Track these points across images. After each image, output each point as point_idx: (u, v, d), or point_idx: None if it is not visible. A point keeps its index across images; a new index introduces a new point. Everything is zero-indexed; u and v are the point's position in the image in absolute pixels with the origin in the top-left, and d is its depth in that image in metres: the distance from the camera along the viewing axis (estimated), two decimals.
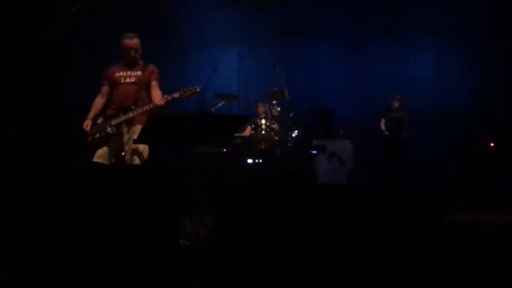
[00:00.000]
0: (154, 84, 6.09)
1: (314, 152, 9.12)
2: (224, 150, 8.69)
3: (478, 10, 10.60)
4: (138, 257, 3.88)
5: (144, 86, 5.99)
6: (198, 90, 5.78)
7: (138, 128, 5.62)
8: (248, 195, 4.14)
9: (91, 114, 6.09)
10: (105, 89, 6.20)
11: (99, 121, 5.97)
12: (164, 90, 10.61)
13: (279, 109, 9.36)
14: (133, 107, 5.79)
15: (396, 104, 10.16)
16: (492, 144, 9.87)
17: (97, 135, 5.84)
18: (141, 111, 5.70)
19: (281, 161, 8.89)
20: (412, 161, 9.91)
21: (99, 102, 6.19)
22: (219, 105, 9.56)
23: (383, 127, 10.19)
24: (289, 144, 9.15)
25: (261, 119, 9.26)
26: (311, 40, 11.53)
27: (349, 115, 10.61)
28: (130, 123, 5.83)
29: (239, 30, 11.66)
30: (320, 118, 10.37)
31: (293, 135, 9.20)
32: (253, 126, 9.17)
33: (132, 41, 6.05)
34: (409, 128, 9.99)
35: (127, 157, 5.80)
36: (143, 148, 5.84)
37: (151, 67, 6.09)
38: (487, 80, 10.93)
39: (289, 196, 4.09)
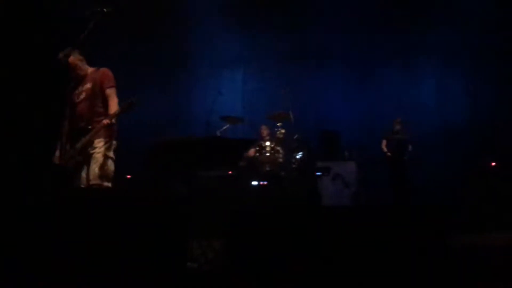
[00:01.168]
0: (108, 93, 5.59)
1: (318, 173, 9.15)
2: (229, 172, 8.71)
3: (479, 31, 10.71)
4: (147, 280, 3.91)
5: (97, 97, 5.56)
6: (134, 101, 5.27)
7: (99, 141, 5.40)
8: (255, 218, 4.19)
9: (60, 142, 5.69)
10: (67, 111, 5.77)
11: (68, 148, 5.62)
12: (168, 111, 10.79)
13: (283, 131, 9.39)
14: (89, 127, 5.44)
15: (398, 126, 10.23)
16: (493, 164, 9.90)
17: (69, 164, 5.52)
18: (96, 132, 5.34)
19: (286, 183, 8.91)
20: (416, 182, 9.96)
21: (64, 126, 5.72)
22: (224, 127, 9.61)
23: (384, 148, 10.26)
24: (294, 166, 9.16)
25: (265, 141, 9.29)
26: (316, 62, 11.59)
27: (354, 137, 10.67)
28: (91, 142, 5.44)
29: (245, 53, 11.74)
30: (325, 140, 10.42)
31: (298, 157, 9.22)
32: (257, 148, 9.20)
33: (72, 57, 5.60)
34: (414, 149, 10.07)
35: (93, 175, 5.39)
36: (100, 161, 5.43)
37: (101, 72, 5.60)
38: (489, 100, 11.00)
39: (295, 218, 4.14)
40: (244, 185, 8.87)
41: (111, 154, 5.52)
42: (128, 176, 8.95)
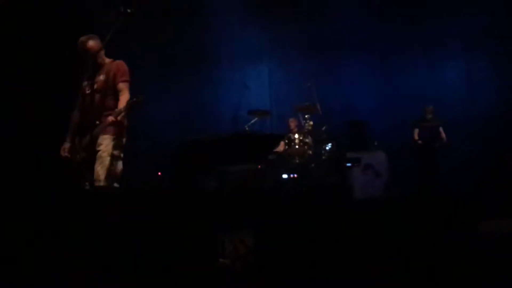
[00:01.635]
0: (120, 87, 5.38)
1: (348, 164, 9.10)
2: (259, 166, 8.69)
3: (506, 16, 10.55)
4: (178, 276, 3.93)
5: (109, 91, 5.36)
6: (140, 99, 5.07)
7: (105, 138, 5.20)
8: (285, 212, 4.18)
9: (69, 134, 5.57)
10: (78, 101, 5.64)
11: (76, 141, 5.49)
12: (196, 108, 10.82)
13: (311, 123, 9.38)
14: (97, 122, 5.26)
15: (429, 114, 10.12)
16: None
17: (76, 161, 5.41)
18: (103, 128, 5.15)
19: (316, 175, 8.89)
20: (447, 170, 9.86)
21: (75, 118, 5.61)
22: (252, 121, 9.62)
23: (416, 137, 10.16)
24: (323, 158, 9.15)
25: (294, 133, 9.29)
26: (341, 52, 11.51)
27: (382, 126, 10.55)
28: (96, 138, 5.26)
29: (269, 46, 11.69)
30: (353, 130, 10.35)
31: (327, 148, 9.20)
32: (286, 141, 9.20)
33: (94, 42, 5.41)
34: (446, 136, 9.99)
35: (97, 175, 5.20)
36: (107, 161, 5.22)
37: (115, 65, 5.34)
38: None
39: (326, 211, 4.12)
40: (274, 178, 8.87)
41: (118, 152, 5.34)
42: (159, 174, 9.00)
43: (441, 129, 10.09)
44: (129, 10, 4.79)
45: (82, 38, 5.42)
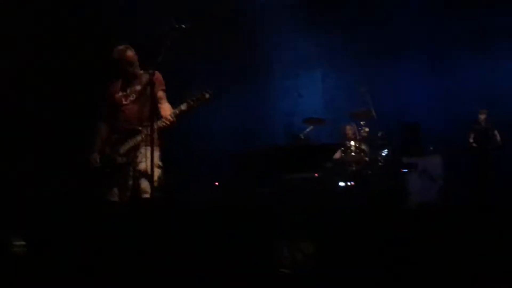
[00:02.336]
0: (160, 95, 5.40)
1: (405, 170, 9.00)
2: (316, 174, 8.66)
3: None
4: (238, 286, 3.97)
5: (147, 101, 5.21)
6: (207, 95, 5.18)
7: (148, 149, 4.99)
8: (344, 219, 4.18)
9: (96, 145, 5.53)
10: (106, 111, 5.65)
11: (107, 150, 5.42)
12: (250, 117, 10.89)
13: (367, 129, 9.33)
14: (139, 128, 5.27)
15: (483, 117, 9.96)
16: None
17: (108, 169, 5.38)
18: (148, 132, 4.94)
19: (373, 182, 8.81)
20: (503, 173, 9.64)
21: (102, 128, 5.61)
22: (308, 130, 9.61)
23: (470, 140, 10.01)
24: (380, 164, 9.08)
25: (349, 140, 9.25)
26: (393, 56, 11.41)
27: (437, 129, 10.42)
28: (138, 146, 5.29)
29: (321, 53, 11.68)
30: (408, 134, 10.24)
31: (383, 154, 9.13)
32: (342, 148, 9.16)
33: (132, 53, 5.51)
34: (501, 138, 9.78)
35: (142, 186, 5.16)
36: (156, 173, 5.03)
37: (151, 75, 5.05)
38: None
39: (384, 219, 4.11)
40: (331, 186, 8.82)
41: (160, 162, 5.27)
42: (216, 183, 9.08)
43: (495, 131, 9.90)
44: (183, 26, 4.84)
45: (120, 47, 5.51)
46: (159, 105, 5.30)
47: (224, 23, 10.32)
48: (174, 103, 5.43)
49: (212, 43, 10.37)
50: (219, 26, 10.26)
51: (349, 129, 9.58)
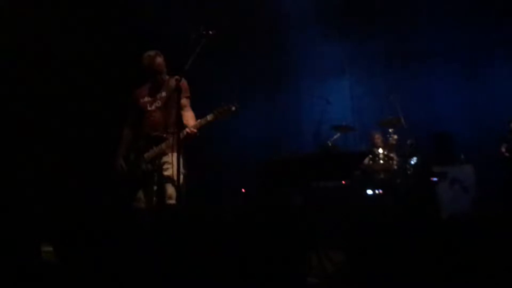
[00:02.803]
0: (184, 103, 5.42)
1: (434, 179, 8.87)
2: (343, 182, 8.60)
3: None
4: None
5: (172, 108, 5.36)
6: (233, 108, 5.16)
7: (172, 156, 5.18)
8: (373, 229, 4.12)
9: (122, 150, 5.65)
10: (132, 117, 5.75)
11: (132, 157, 5.53)
12: (278, 123, 10.86)
13: (396, 137, 9.25)
14: (164, 135, 5.37)
15: None
16: None
17: (132, 174, 5.48)
18: (173, 141, 5.10)
19: (402, 191, 8.71)
20: None
21: (128, 134, 5.73)
22: (335, 137, 9.55)
23: (503, 149, 9.82)
24: (408, 173, 8.97)
25: (378, 148, 9.18)
26: (423, 63, 11.29)
27: (469, 139, 10.22)
28: (163, 153, 5.40)
29: (350, 60, 11.62)
30: (439, 143, 10.11)
31: (412, 162, 9.02)
32: (370, 156, 9.09)
33: (162, 59, 5.62)
34: None
35: (169, 192, 5.27)
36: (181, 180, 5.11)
37: (176, 82, 5.02)
38: None
39: (415, 230, 4.04)
40: (359, 194, 8.76)
41: (183, 170, 5.23)
42: (243, 190, 9.06)
43: None
44: (210, 32, 4.83)
45: (150, 53, 5.61)
46: (182, 112, 5.33)
47: (253, 30, 10.33)
48: (201, 111, 5.43)
49: (241, 51, 10.37)
50: (248, 34, 10.26)
51: (377, 137, 9.50)
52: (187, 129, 5.16)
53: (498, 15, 10.49)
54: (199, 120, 5.26)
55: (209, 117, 5.21)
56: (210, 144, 9.18)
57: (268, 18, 10.50)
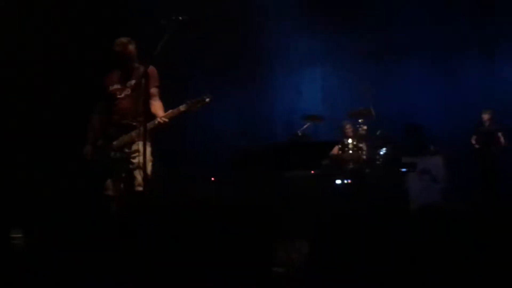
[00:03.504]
0: (153, 92, 5.39)
1: (404, 170, 8.93)
2: (312, 172, 8.62)
3: None
4: (231, 285, 3.91)
5: (141, 95, 5.22)
6: (207, 99, 5.14)
7: (142, 144, 5.05)
8: (340, 218, 4.12)
9: (91, 137, 5.56)
10: (101, 104, 5.67)
11: (100, 143, 5.47)
12: (250, 113, 10.85)
13: (365, 127, 9.29)
14: (134, 123, 5.32)
15: (487, 118, 9.88)
16: None
17: (101, 161, 5.40)
18: (143, 130, 4.92)
19: (371, 181, 8.76)
20: (506, 175, 9.57)
21: (97, 121, 5.64)
22: (305, 126, 9.56)
23: (473, 141, 9.93)
24: (378, 163, 9.03)
25: (348, 138, 9.21)
26: (396, 55, 11.36)
27: (440, 131, 10.29)
28: (132, 141, 5.32)
29: (322, 51, 11.64)
30: (409, 134, 10.18)
31: (381, 153, 9.08)
32: (340, 146, 9.12)
33: (133, 47, 5.51)
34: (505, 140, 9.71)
35: (138, 179, 5.20)
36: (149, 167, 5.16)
37: (144, 69, 5.01)
38: None
39: (383, 220, 4.05)
40: (328, 184, 8.79)
41: (151, 158, 5.28)
42: (213, 179, 9.05)
43: (500, 133, 9.80)
44: (181, 18, 4.76)
45: (123, 40, 5.51)
46: (150, 101, 5.28)
47: (225, 20, 10.26)
48: (173, 101, 5.39)
49: (212, 40, 10.31)
50: (220, 23, 10.20)
51: (349, 127, 9.54)
52: (158, 119, 5.16)
53: (471, 12, 10.60)
54: (171, 110, 5.23)
55: (182, 108, 5.18)
56: (181, 133, 9.14)
57: (241, 7, 10.45)
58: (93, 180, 5.56)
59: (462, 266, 3.73)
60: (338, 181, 8.82)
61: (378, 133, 9.26)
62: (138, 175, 5.22)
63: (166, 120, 5.17)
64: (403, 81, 11.21)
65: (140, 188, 5.15)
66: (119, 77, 5.60)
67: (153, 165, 5.33)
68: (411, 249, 3.86)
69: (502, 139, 9.76)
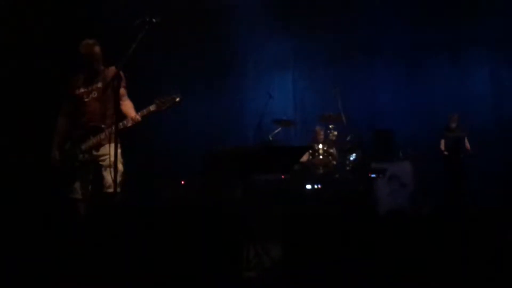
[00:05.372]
0: (122, 92, 5.30)
1: (373, 175, 8.99)
2: (283, 176, 8.63)
3: None
4: None
5: (109, 97, 5.24)
6: (177, 99, 5.16)
7: (111, 146, 4.81)
8: (313, 224, 4.14)
9: (57, 141, 5.49)
10: (67, 106, 5.59)
11: (67, 146, 5.40)
12: (220, 116, 10.82)
13: (336, 133, 9.36)
14: (102, 126, 5.28)
15: (454, 123, 10.01)
16: None
17: (68, 165, 5.35)
18: (111, 132, 5.01)
19: (340, 186, 8.80)
20: (474, 179, 9.71)
21: (63, 123, 5.56)
22: (276, 131, 9.59)
23: (442, 147, 10.04)
24: (348, 168, 9.09)
25: (318, 143, 9.25)
26: (366, 60, 11.43)
27: (409, 135, 10.39)
28: (101, 144, 5.29)
29: (293, 54, 11.70)
30: (379, 139, 10.24)
31: (351, 158, 9.14)
32: (310, 151, 9.15)
33: (99, 48, 5.47)
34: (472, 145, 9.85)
35: (108, 181, 5.17)
36: (120, 168, 5.18)
37: (112, 72, 5.06)
38: None
39: (352, 224, 4.08)
40: (298, 188, 8.81)
41: (122, 159, 5.28)
42: (182, 182, 8.99)
43: (466, 139, 9.95)
44: (154, 20, 4.74)
45: (89, 41, 5.45)
46: (120, 101, 5.20)
47: (196, 21, 10.23)
48: (142, 102, 5.36)
49: (183, 41, 10.27)
50: (192, 24, 10.16)
51: (318, 132, 9.57)
52: (132, 117, 5.17)
53: (442, 17, 10.71)
54: (142, 110, 5.22)
55: (151, 108, 5.18)
56: (152, 135, 9.09)
57: (214, 9, 10.43)
58: (60, 183, 5.46)
59: (428, 268, 3.78)
60: (308, 186, 8.83)
61: (348, 138, 9.31)
62: (108, 177, 5.17)
63: (139, 119, 5.17)
64: (372, 85, 11.31)
65: (110, 190, 5.07)
66: (85, 80, 5.54)
67: (123, 167, 5.32)
68: (379, 252, 3.90)
69: (468, 145, 9.91)
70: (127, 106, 5.36)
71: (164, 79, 9.69)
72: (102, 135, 5.26)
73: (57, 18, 8.07)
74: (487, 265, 3.80)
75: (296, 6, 10.81)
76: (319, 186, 8.84)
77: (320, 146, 9.13)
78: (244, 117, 11.34)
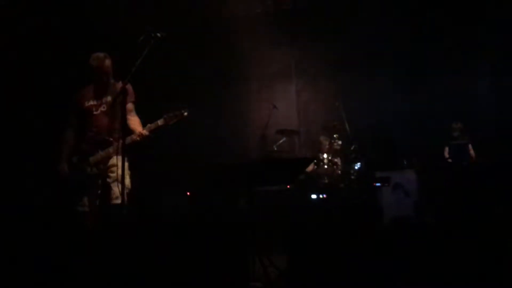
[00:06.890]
0: (129, 107, 5.35)
1: (377, 184, 9.00)
2: (288, 186, 8.65)
3: None
4: None
5: (117, 112, 5.21)
6: (185, 113, 5.19)
7: (119, 159, 4.85)
8: (318, 235, 4.17)
9: (65, 154, 5.47)
10: (74, 119, 5.59)
11: (75, 159, 5.40)
12: (224, 127, 10.86)
13: (340, 142, 9.40)
14: (111, 139, 5.30)
15: (457, 131, 10.02)
16: None
17: (76, 178, 5.34)
18: (119, 145, 4.98)
19: (345, 195, 8.82)
20: (479, 188, 9.69)
21: (70, 137, 5.56)
22: (281, 141, 9.63)
23: (446, 154, 10.05)
24: (352, 178, 9.11)
25: (323, 153, 9.28)
26: (369, 70, 11.44)
27: (413, 144, 10.41)
28: (109, 157, 5.27)
29: (297, 65, 11.73)
30: (383, 149, 10.27)
31: (356, 167, 9.17)
32: (315, 161, 9.18)
33: (110, 62, 5.50)
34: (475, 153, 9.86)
35: (116, 193, 5.15)
36: (128, 182, 5.24)
37: (121, 86, 4.93)
38: None
39: (357, 234, 4.10)
40: (303, 198, 8.83)
41: (129, 172, 5.31)
42: (188, 193, 9.02)
43: (469, 146, 9.96)
44: (159, 35, 4.78)
45: (100, 55, 5.47)
46: (128, 116, 5.19)
47: (200, 34, 10.30)
48: (148, 115, 5.40)
49: (187, 54, 10.33)
50: (195, 38, 10.23)
51: (323, 141, 9.60)
52: (138, 133, 5.16)
53: (443, 26, 10.75)
54: (149, 125, 5.22)
55: (159, 122, 5.19)
56: (156, 145, 9.13)
57: (217, 21, 10.50)
58: (68, 196, 5.45)
59: (432, 277, 3.81)
60: (314, 196, 8.86)
61: (352, 148, 9.34)
62: (116, 188, 5.17)
63: (147, 133, 5.15)
64: (375, 94, 11.29)
65: (118, 201, 5.05)
66: (94, 93, 5.54)
67: (131, 179, 5.35)
68: (385, 261, 3.92)
69: (472, 152, 9.92)
70: (135, 122, 5.37)
71: (167, 91, 9.74)
72: (111, 149, 5.26)
73: (66, 31, 8.16)
74: (491, 272, 3.83)
75: (299, 18, 10.87)
76: (324, 196, 8.86)
77: (325, 155, 9.17)
78: (248, 128, 11.37)
